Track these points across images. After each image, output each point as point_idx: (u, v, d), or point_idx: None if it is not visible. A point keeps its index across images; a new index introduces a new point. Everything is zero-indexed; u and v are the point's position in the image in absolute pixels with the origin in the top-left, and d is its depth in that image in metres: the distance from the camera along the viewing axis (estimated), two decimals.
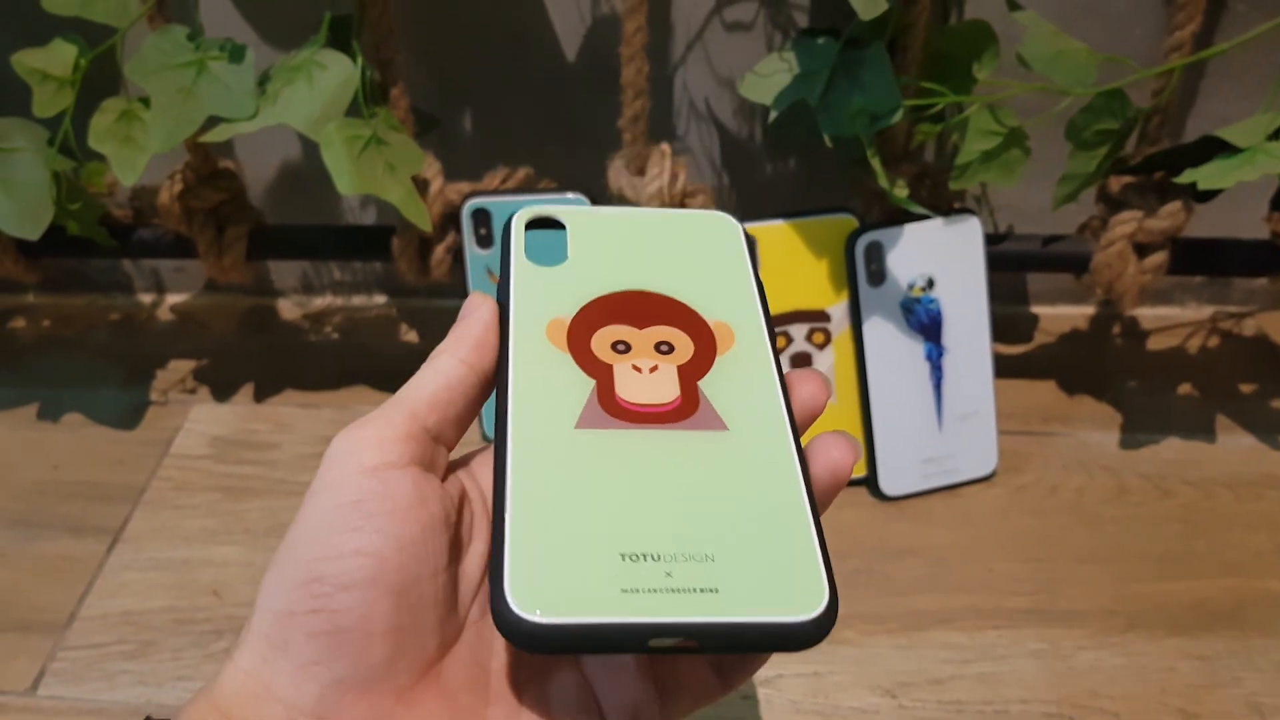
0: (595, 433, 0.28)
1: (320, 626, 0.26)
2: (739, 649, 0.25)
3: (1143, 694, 0.56)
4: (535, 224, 0.34)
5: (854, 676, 0.58)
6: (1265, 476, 0.69)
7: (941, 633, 0.60)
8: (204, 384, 0.79)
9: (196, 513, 0.68)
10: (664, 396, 0.29)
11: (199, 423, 0.75)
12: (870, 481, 0.68)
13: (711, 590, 0.25)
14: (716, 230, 0.35)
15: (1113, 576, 0.63)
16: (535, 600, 0.24)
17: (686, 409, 0.29)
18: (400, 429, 0.28)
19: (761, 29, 0.69)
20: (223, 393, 0.78)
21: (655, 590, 0.25)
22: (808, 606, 0.25)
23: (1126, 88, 0.59)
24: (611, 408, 0.29)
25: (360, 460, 0.28)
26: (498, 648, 0.29)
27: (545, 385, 0.29)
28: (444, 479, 0.30)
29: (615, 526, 0.26)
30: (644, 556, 0.25)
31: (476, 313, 0.31)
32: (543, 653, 0.25)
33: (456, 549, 0.29)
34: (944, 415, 0.67)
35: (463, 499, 0.30)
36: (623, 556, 0.25)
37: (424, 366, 0.30)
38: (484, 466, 0.32)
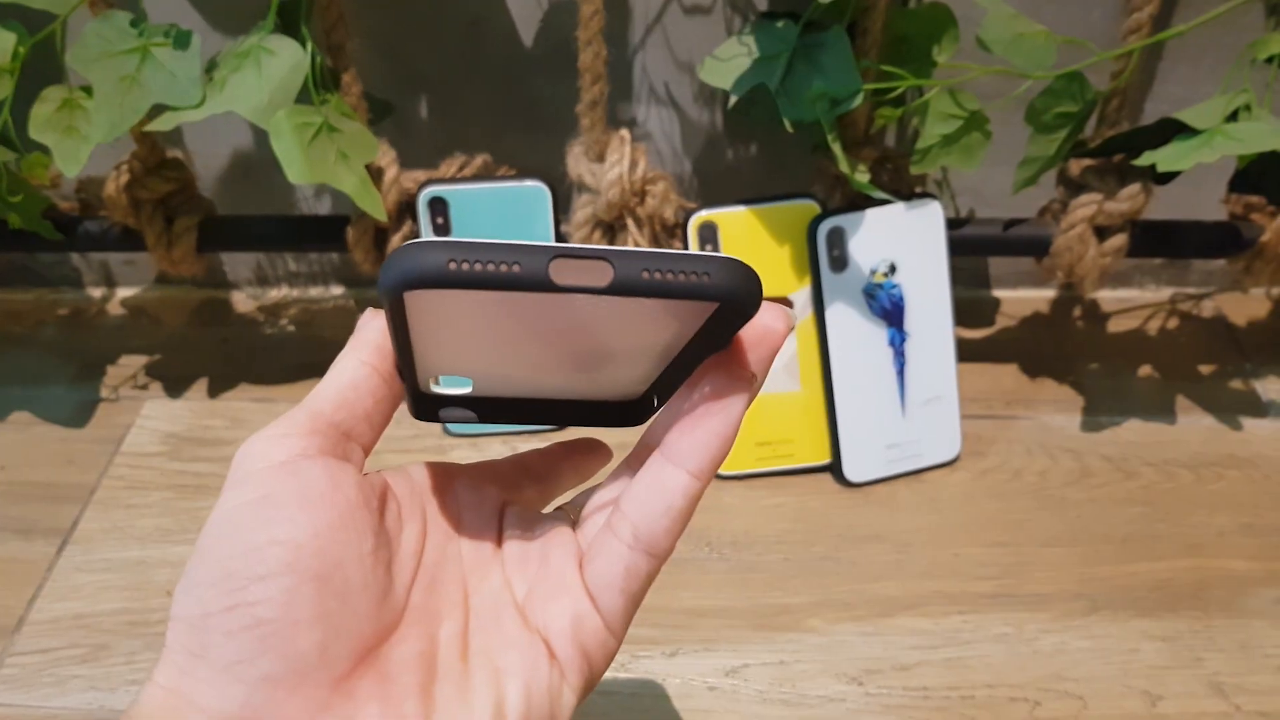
0: None
1: (239, 623, 0.25)
2: None
3: (1107, 676, 0.57)
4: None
5: (820, 665, 0.57)
6: (1225, 457, 0.69)
7: (908, 619, 0.60)
8: (156, 379, 0.77)
9: (150, 512, 0.67)
10: None
11: (151, 419, 0.74)
12: (835, 468, 0.67)
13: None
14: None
15: (1076, 559, 0.63)
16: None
17: None
18: (305, 425, 0.28)
19: (720, 12, 0.68)
20: (176, 388, 0.76)
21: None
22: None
23: (1085, 70, 0.59)
24: None
25: (266, 457, 0.27)
26: (445, 624, 0.29)
27: None
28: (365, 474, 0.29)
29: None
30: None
31: (373, 321, 0.30)
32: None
33: (384, 537, 0.28)
34: (907, 401, 0.67)
35: (385, 491, 0.29)
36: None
37: (334, 364, 0.30)
38: (419, 470, 0.32)
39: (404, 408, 0.31)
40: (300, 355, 0.79)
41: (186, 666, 0.25)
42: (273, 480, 0.26)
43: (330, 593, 0.26)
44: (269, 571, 0.25)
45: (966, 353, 0.75)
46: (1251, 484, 0.67)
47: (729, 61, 0.60)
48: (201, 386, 0.76)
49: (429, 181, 0.66)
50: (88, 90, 0.59)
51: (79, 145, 0.59)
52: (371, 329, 0.30)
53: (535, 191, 0.66)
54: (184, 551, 0.64)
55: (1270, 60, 0.57)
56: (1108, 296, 0.83)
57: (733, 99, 0.60)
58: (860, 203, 0.65)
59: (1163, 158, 0.55)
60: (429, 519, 0.31)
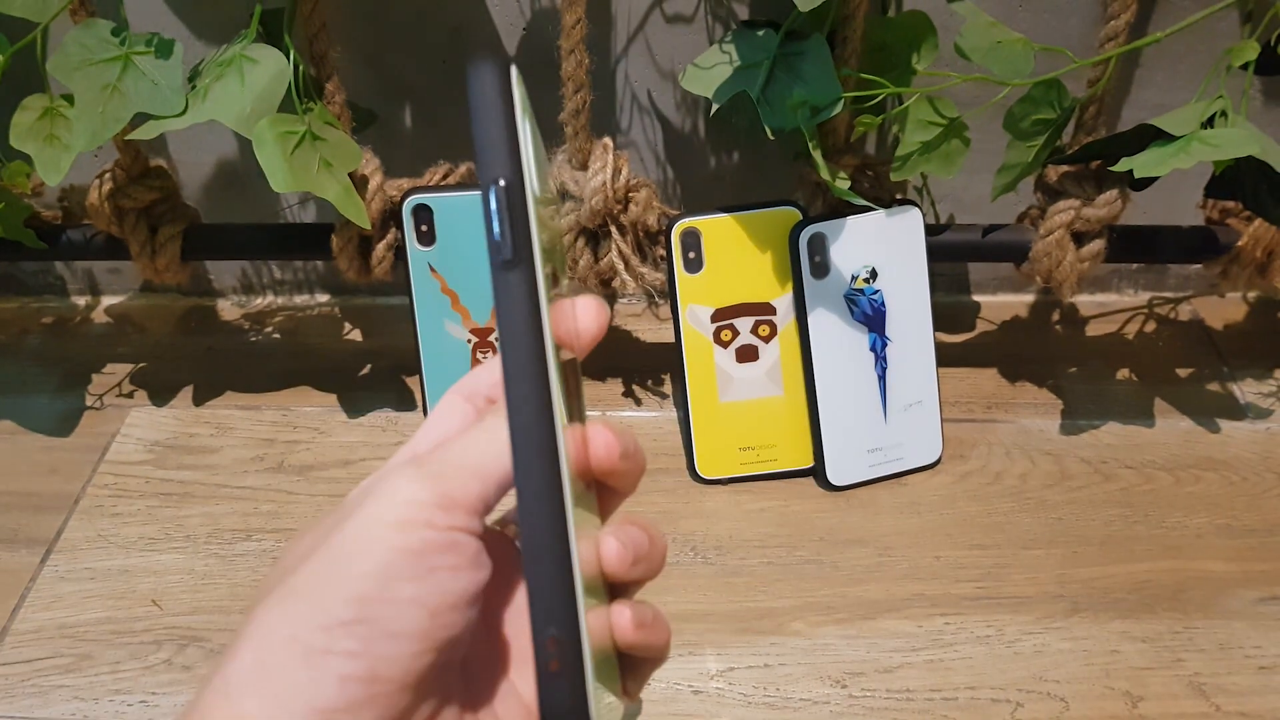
0: None
1: (356, 671, 0.24)
2: None
3: (1087, 677, 0.57)
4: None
5: (804, 668, 0.58)
6: (1203, 459, 0.70)
7: (890, 621, 0.60)
8: (141, 388, 0.77)
9: (134, 520, 0.67)
10: None
11: (136, 427, 0.74)
12: (818, 472, 0.68)
13: None
14: None
15: (1057, 561, 0.63)
16: None
17: None
18: (474, 503, 0.26)
19: (702, 21, 0.69)
20: (161, 396, 0.76)
21: None
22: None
23: (1063, 77, 0.60)
24: None
25: (429, 516, 0.26)
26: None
27: None
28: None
29: None
30: None
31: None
32: None
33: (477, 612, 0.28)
34: (889, 405, 0.68)
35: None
36: None
37: (494, 420, 0.28)
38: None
39: None
40: (285, 363, 0.79)
41: (282, 696, 0.24)
42: (430, 539, 0.25)
43: (440, 666, 0.26)
44: (402, 631, 0.25)
45: (947, 357, 0.76)
46: (1229, 486, 0.68)
47: (710, 70, 0.61)
48: (186, 395, 0.76)
49: (413, 190, 0.67)
50: (69, 99, 0.59)
51: (60, 154, 0.59)
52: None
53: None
54: (168, 560, 0.64)
55: (1246, 67, 0.58)
56: (1086, 301, 0.83)
57: (714, 107, 0.61)
58: (841, 209, 0.65)
59: (1139, 164, 0.56)
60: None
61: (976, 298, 0.83)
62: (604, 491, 0.30)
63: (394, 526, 0.25)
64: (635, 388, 0.76)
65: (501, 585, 0.30)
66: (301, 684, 0.24)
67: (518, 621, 0.30)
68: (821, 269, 0.66)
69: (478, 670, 0.29)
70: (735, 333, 0.67)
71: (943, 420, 0.69)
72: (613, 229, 0.66)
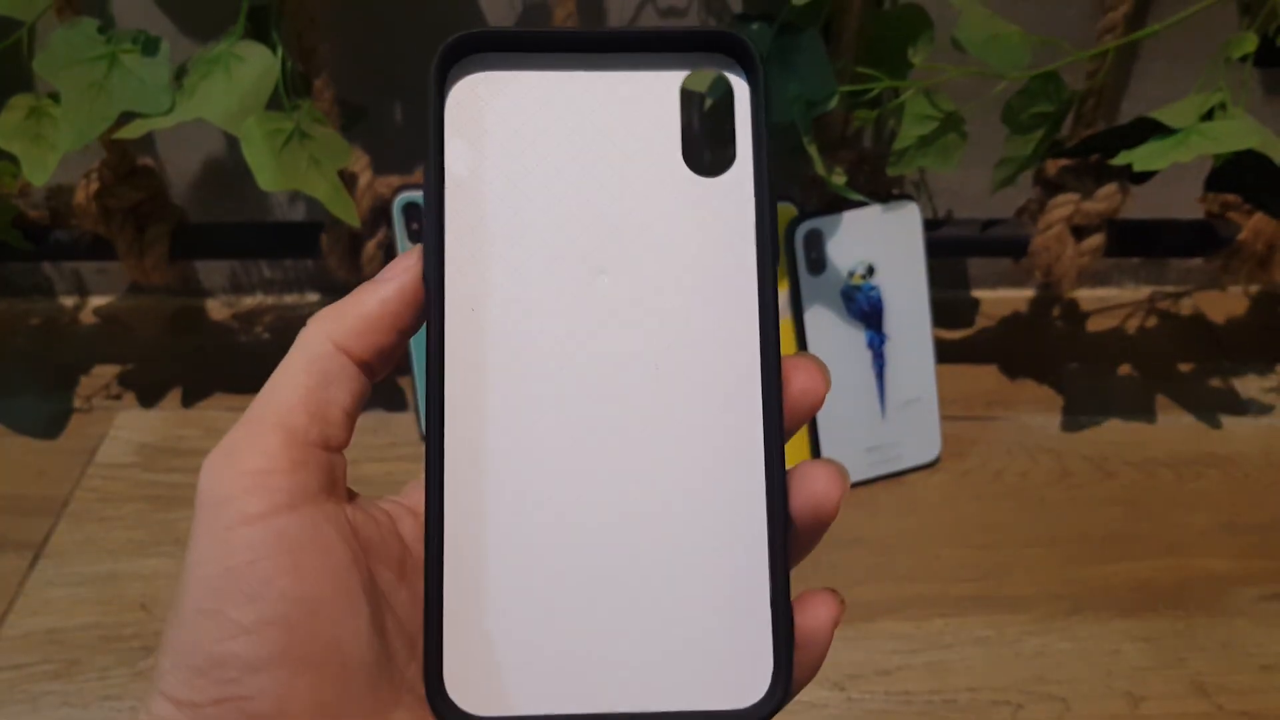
0: None
1: (231, 718, 0.23)
2: None
3: (1089, 678, 0.56)
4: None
5: None
6: (1205, 455, 0.69)
7: (889, 623, 0.60)
8: (129, 389, 0.76)
9: (123, 524, 0.66)
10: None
11: (125, 429, 0.73)
12: None
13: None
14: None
15: (1057, 560, 0.63)
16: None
17: None
18: (282, 457, 0.23)
19: (695, 15, 0.68)
20: (149, 398, 0.75)
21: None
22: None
23: (1061, 70, 0.59)
24: None
25: (242, 509, 0.23)
26: None
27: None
28: (351, 497, 0.26)
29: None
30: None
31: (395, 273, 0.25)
32: None
33: (377, 599, 0.25)
34: (887, 403, 0.67)
35: (377, 537, 0.26)
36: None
37: (291, 351, 0.25)
38: (407, 516, 0.27)
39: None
40: (275, 363, 0.77)
41: None
42: (253, 542, 0.23)
43: (327, 679, 0.23)
44: (261, 661, 0.23)
45: (946, 354, 0.75)
46: (1231, 482, 0.67)
47: None
48: (175, 396, 0.75)
49: (403, 187, 0.66)
50: (55, 98, 0.58)
51: (46, 154, 0.58)
52: (363, 291, 0.25)
53: None
54: (158, 565, 0.63)
55: (1244, 59, 0.57)
56: (1086, 296, 0.83)
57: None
58: (838, 204, 0.65)
59: (1138, 157, 0.55)
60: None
61: (975, 293, 0.83)
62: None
63: (208, 546, 0.23)
64: None
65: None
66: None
67: None
68: (818, 265, 0.65)
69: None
70: None
71: (942, 418, 0.68)
72: None
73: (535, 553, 0.24)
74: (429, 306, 0.25)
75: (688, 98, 0.25)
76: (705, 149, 0.26)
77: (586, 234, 0.25)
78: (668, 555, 0.24)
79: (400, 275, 0.25)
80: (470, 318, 0.25)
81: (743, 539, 0.25)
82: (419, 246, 0.25)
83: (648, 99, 0.25)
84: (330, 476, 0.25)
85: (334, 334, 0.25)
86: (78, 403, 0.75)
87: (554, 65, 0.25)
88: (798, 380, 0.25)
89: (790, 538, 0.25)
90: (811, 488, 0.25)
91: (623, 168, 0.25)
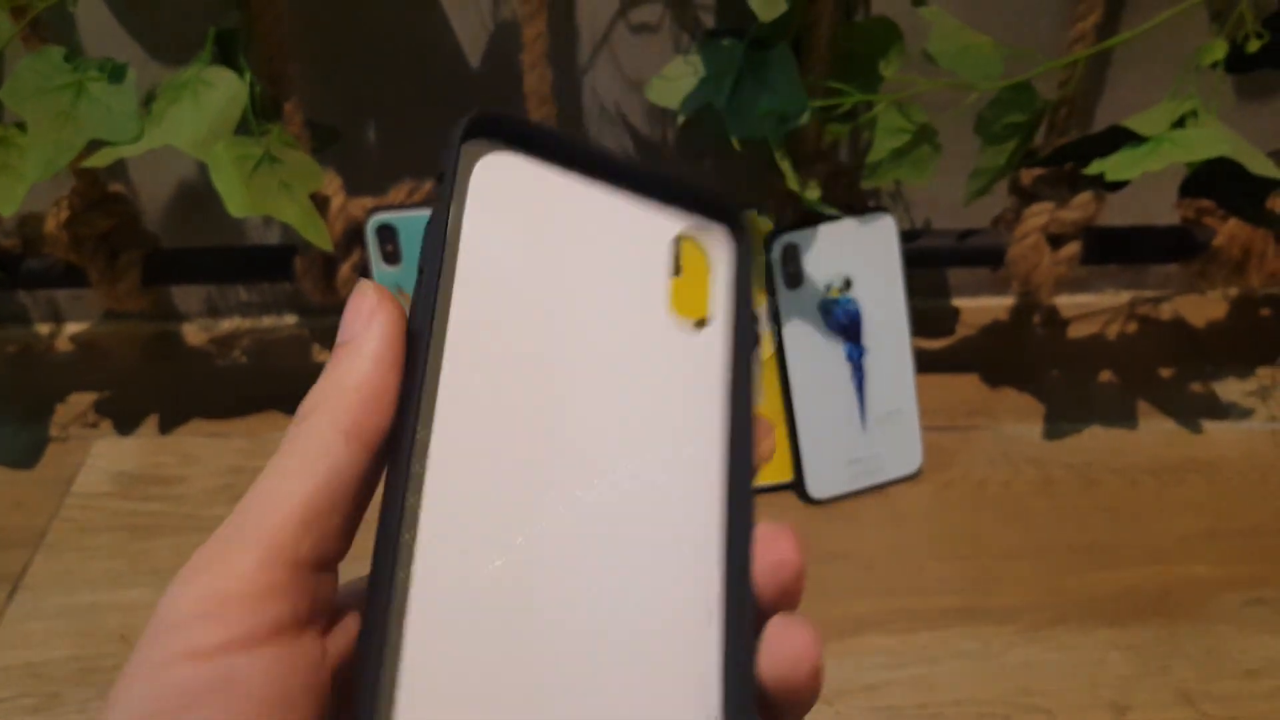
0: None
1: None
2: None
3: (1074, 688, 0.56)
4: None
5: None
6: (1186, 460, 0.69)
7: (874, 637, 0.59)
8: (106, 417, 0.75)
9: (101, 554, 0.65)
10: None
11: (102, 458, 0.72)
12: (797, 485, 0.67)
13: None
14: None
15: (1042, 570, 0.62)
16: None
17: None
18: (253, 580, 0.19)
19: (668, 30, 0.68)
20: (126, 425, 0.75)
21: None
22: None
23: (1034, 80, 0.59)
24: None
25: (188, 639, 0.19)
26: None
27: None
28: (336, 619, 0.22)
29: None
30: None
31: (365, 335, 0.21)
32: None
33: None
34: (867, 415, 0.67)
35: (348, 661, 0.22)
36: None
37: (286, 444, 0.21)
38: None
39: None
40: (253, 387, 0.77)
41: None
42: (192, 686, 0.18)
43: None
44: None
45: (926, 363, 0.75)
46: (1213, 487, 0.67)
47: (676, 81, 0.60)
48: (152, 423, 0.75)
49: (377, 208, 0.65)
50: (22, 127, 0.57)
51: (14, 184, 0.57)
52: (351, 358, 0.21)
53: None
54: (136, 595, 0.63)
55: (1215, 66, 0.57)
56: (1067, 302, 0.83)
57: (681, 118, 0.60)
58: (813, 219, 0.64)
59: (1111, 166, 0.55)
60: None
61: (956, 301, 0.82)
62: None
63: (138, 673, 0.19)
64: None
65: None
66: None
67: None
68: (795, 279, 0.65)
69: None
70: None
71: (923, 428, 0.68)
72: None
73: (489, 653, 0.21)
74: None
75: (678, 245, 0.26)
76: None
77: (561, 356, 0.24)
78: (623, 667, 0.22)
79: (374, 333, 0.22)
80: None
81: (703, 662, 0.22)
82: (365, 285, 0.23)
83: (645, 237, 0.25)
84: (313, 603, 0.20)
85: (340, 420, 0.20)
86: (54, 431, 0.75)
87: (571, 169, 0.25)
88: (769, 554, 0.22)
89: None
90: (783, 646, 0.21)
91: (609, 297, 0.25)
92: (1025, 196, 0.65)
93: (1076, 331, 0.80)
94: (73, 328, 0.83)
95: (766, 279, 0.65)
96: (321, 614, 0.21)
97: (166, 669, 0.19)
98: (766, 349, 0.66)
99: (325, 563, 0.21)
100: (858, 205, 0.65)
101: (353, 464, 0.20)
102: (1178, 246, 0.68)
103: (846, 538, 0.65)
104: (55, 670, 0.59)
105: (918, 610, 0.60)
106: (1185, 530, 0.64)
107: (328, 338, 0.81)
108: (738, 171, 0.74)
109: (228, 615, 0.19)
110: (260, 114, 0.59)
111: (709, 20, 0.67)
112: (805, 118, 0.57)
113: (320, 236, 0.59)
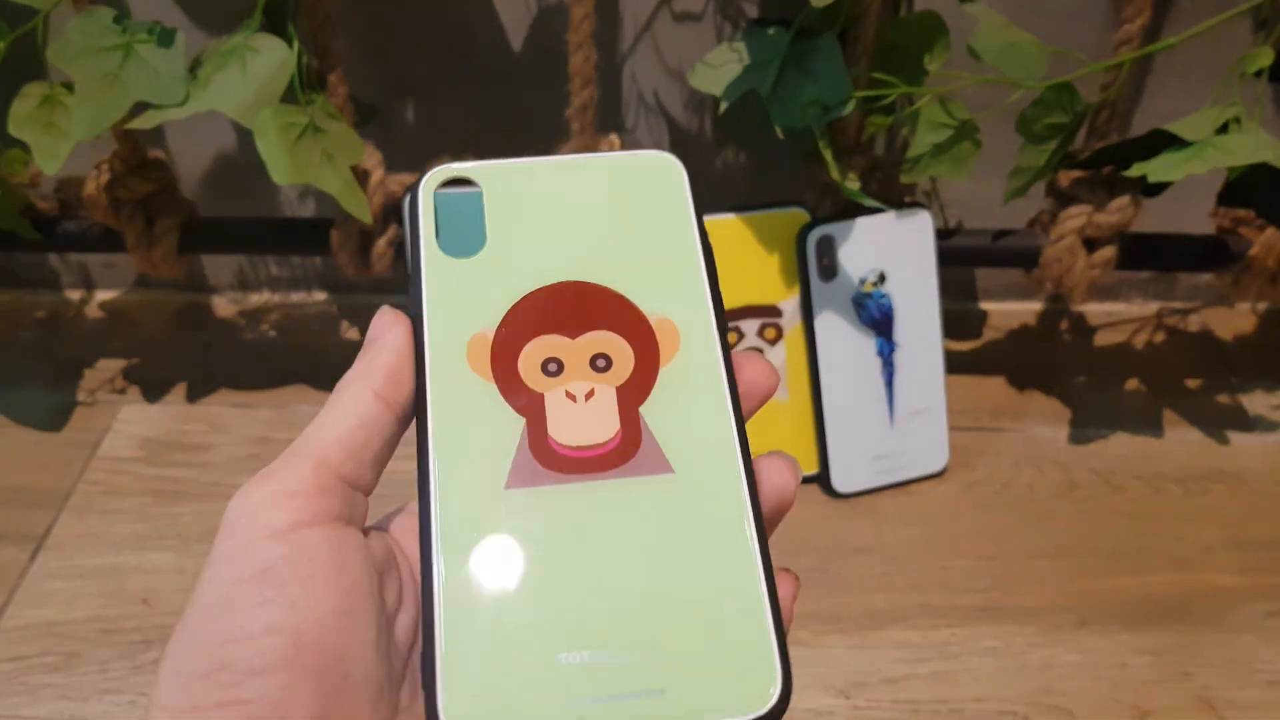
0: (526, 494, 0.26)
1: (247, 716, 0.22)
2: None
3: (1095, 691, 0.56)
4: (447, 189, 0.30)
5: (808, 677, 0.57)
6: (1212, 471, 0.69)
7: (895, 631, 0.59)
8: (134, 383, 0.76)
9: (125, 517, 0.66)
10: (602, 434, 0.27)
11: (128, 423, 0.72)
12: (822, 479, 0.67)
13: (657, 692, 0.24)
14: (656, 180, 0.31)
15: (1064, 572, 0.62)
16: (472, 714, 0.23)
17: (627, 448, 0.26)
18: (310, 481, 0.25)
19: (711, 19, 0.68)
20: (154, 392, 0.75)
21: (598, 697, 0.24)
22: (758, 701, 0.24)
23: (1076, 82, 0.59)
24: (544, 456, 0.26)
25: (266, 522, 0.24)
26: None
27: (469, 431, 0.26)
28: (366, 532, 0.26)
29: (554, 621, 0.24)
30: (585, 655, 0.24)
31: (387, 336, 0.27)
32: None
33: (384, 621, 0.25)
34: (895, 411, 0.67)
35: (387, 562, 0.27)
36: (562, 658, 0.24)
37: (331, 400, 0.26)
38: (408, 532, 0.28)
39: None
40: (281, 361, 0.78)
41: None
42: (272, 553, 0.24)
43: (329, 690, 0.23)
44: (266, 665, 0.23)
45: (954, 365, 0.75)
46: (1238, 498, 0.67)
47: (720, 68, 0.60)
48: (180, 391, 0.75)
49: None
50: (69, 87, 0.58)
51: (59, 142, 0.58)
52: (383, 347, 0.27)
53: None
54: (159, 559, 0.63)
55: (1259, 74, 0.57)
56: (1095, 310, 0.82)
57: (723, 105, 0.60)
58: (850, 211, 0.64)
59: (1154, 169, 0.55)
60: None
61: (984, 305, 0.82)
62: None
63: (227, 554, 0.24)
64: None
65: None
66: None
67: None
68: (829, 271, 0.65)
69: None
70: (741, 335, 0.66)
71: (950, 428, 0.68)
72: None
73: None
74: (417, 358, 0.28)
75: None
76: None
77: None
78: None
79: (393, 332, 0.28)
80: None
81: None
82: (385, 308, 0.28)
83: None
84: (351, 509, 0.26)
85: (372, 384, 0.27)
86: (82, 396, 0.75)
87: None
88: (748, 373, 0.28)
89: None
90: (772, 479, 0.28)
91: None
92: (1063, 199, 0.65)
93: (1103, 339, 0.80)
94: (103, 295, 0.84)
95: (801, 271, 0.65)
96: (357, 520, 0.26)
97: (250, 544, 0.24)
98: (798, 341, 0.66)
99: (360, 485, 0.26)
100: (893, 200, 0.65)
101: (380, 416, 0.26)
102: (1213, 255, 0.68)
103: (870, 533, 0.65)
104: (76, 630, 0.59)
105: (939, 607, 0.60)
106: (1209, 539, 0.64)
107: (355, 315, 0.81)
108: (774, 161, 0.74)
109: (294, 504, 0.24)
110: (305, 85, 0.59)
111: (752, 11, 0.68)
112: (849, 107, 0.57)
113: (361, 208, 0.59)
